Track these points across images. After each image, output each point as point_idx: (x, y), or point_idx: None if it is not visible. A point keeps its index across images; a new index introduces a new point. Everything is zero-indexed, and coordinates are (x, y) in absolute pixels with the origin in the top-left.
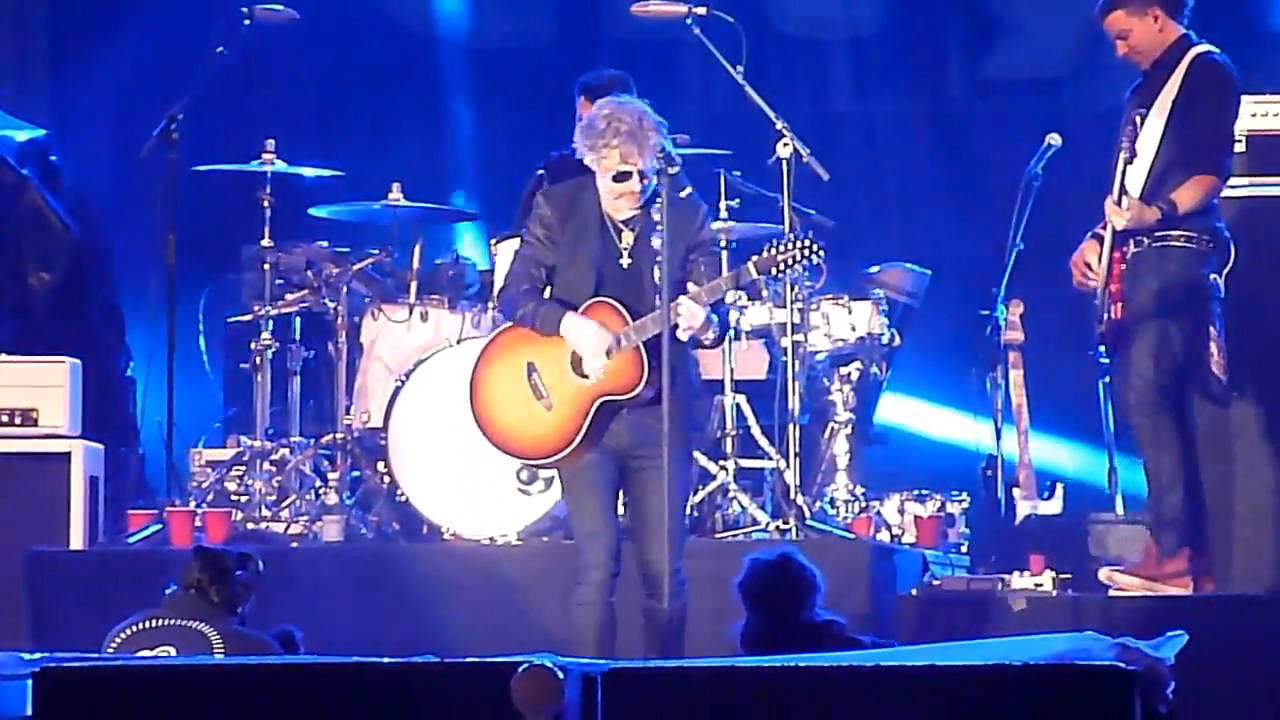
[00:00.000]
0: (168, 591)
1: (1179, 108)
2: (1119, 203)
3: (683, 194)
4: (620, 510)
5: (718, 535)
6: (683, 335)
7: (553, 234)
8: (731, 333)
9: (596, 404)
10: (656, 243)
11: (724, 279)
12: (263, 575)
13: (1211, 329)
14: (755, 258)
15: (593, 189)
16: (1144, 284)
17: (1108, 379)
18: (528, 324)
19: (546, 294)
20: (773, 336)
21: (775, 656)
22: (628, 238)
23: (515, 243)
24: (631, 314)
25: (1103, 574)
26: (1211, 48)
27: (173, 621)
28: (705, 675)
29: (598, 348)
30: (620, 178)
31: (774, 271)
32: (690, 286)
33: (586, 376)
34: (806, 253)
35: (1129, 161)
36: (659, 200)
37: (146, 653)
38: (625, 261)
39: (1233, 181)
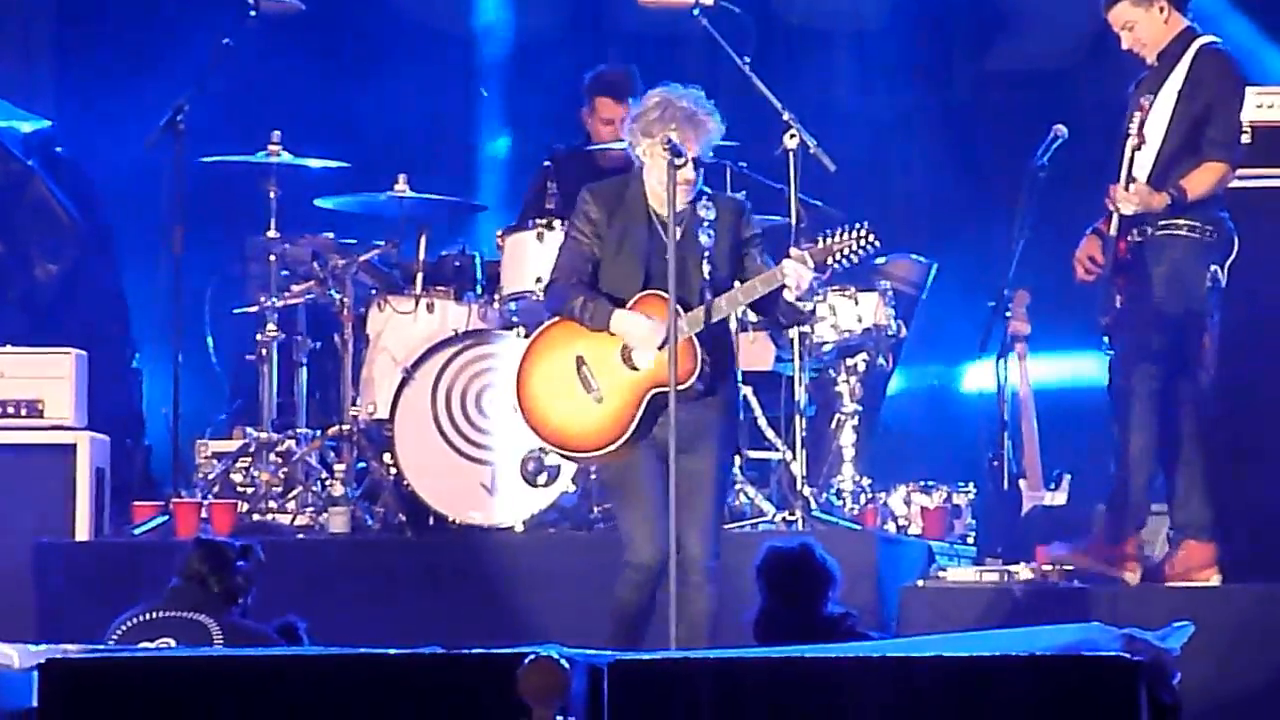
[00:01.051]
0: (170, 584)
1: (1184, 97)
2: (1126, 189)
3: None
4: None
5: (724, 526)
6: (790, 296)
7: (599, 229)
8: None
9: (649, 396)
10: (704, 239)
11: (804, 251)
12: (265, 566)
13: (1207, 320)
14: (810, 248)
15: (638, 184)
16: (1146, 271)
17: None
18: (576, 318)
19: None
20: None
21: (784, 647)
22: (674, 232)
23: (523, 235)
24: (681, 307)
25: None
26: (1216, 39)
27: (173, 613)
28: (711, 666)
29: (651, 337)
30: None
31: (829, 261)
32: (793, 251)
33: (637, 369)
34: (864, 243)
35: (1137, 148)
36: (706, 196)
37: (147, 644)
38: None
39: (1239, 173)
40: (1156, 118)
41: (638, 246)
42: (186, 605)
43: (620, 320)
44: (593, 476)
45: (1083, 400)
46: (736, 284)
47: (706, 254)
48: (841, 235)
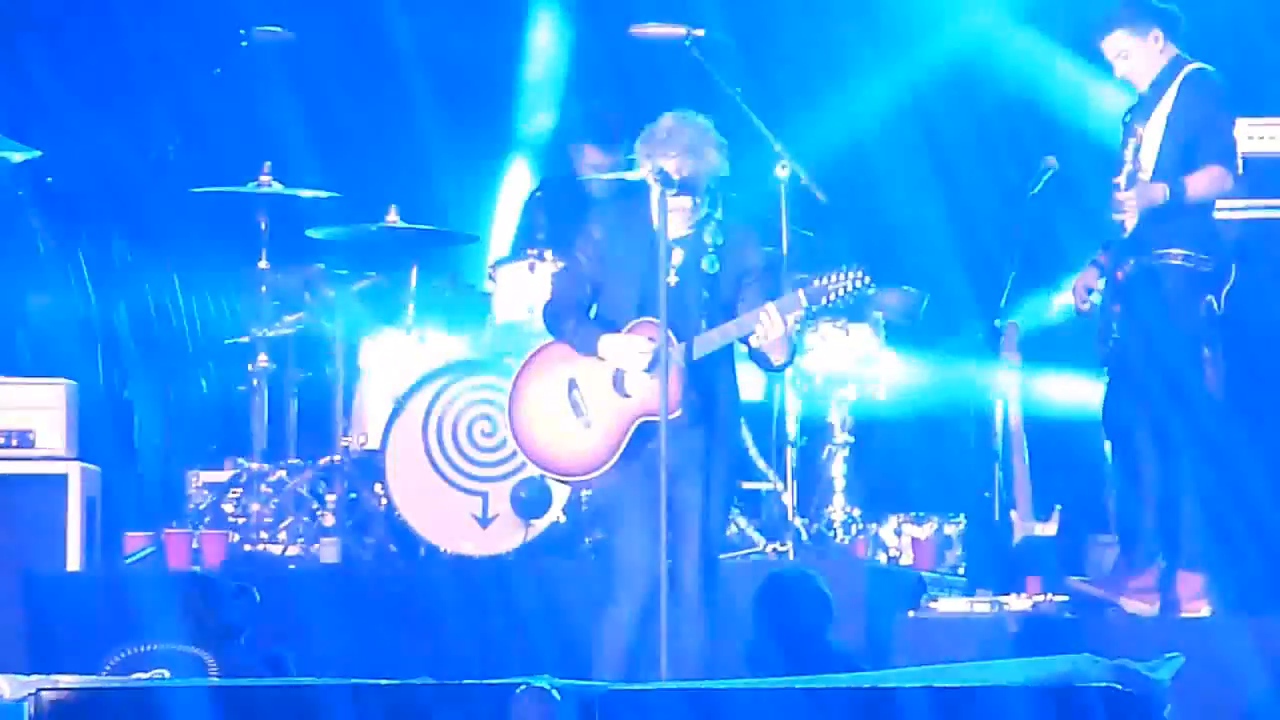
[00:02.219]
0: (163, 617)
1: (1173, 123)
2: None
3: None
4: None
5: (720, 557)
6: (755, 343)
7: (600, 250)
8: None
9: (636, 424)
10: (706, 265)
11: (786, 299)
12: (260, 606)
13: (1206, 349)
14: (805, 287)
15: (645, 206)
16: (1140, 301)
17: None
18: (567, 341)
19: (592, 312)
20: None
21: (777, 679)
22: (677, 256)
23: (515, 265)
24: (676, 334)
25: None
26: (1205, 65)
27: (168, 646)
28: (704, 696)
29: (638, 360)
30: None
31: (824, 301)
32: (772, 303)
33: (628, 395)
34: (858, 284)
35: (1134, 177)
36: (712, 222)
37: (141, 676)
38: (672, 280)
39: (1231, 203)
40: (1148, 145)
41: (636, 269)
42: (181, 639)
43: (607, 344)
44: (584, 508)
45: (1075, 431)
46: (716, 326)
47: (707, 281)
48: (835, 275)
